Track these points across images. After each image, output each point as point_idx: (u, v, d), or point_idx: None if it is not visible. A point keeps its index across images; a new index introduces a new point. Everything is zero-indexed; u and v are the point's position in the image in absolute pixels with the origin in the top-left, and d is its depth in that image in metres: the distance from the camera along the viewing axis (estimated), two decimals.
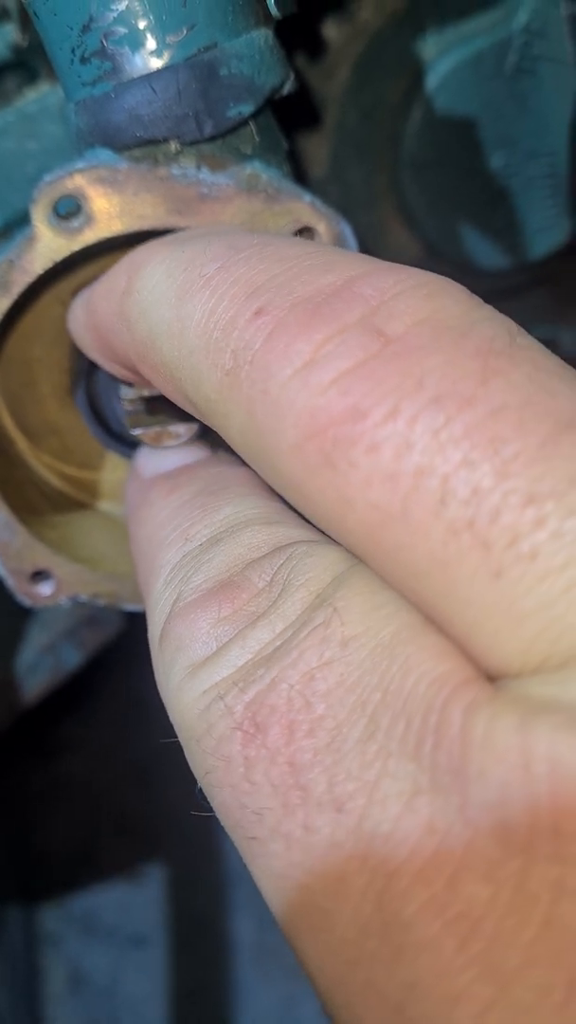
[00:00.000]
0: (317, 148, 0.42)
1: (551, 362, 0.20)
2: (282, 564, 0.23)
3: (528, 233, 0.44)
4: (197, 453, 0.33)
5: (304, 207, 0.31)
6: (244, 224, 0.31)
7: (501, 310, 0.22)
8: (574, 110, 0.42)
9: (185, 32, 0.29)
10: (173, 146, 0.30)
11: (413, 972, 0.17)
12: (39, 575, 0.35)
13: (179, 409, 0.27)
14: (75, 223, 0.31)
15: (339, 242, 0.31)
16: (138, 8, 0.28)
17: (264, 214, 0.31)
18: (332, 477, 0.20)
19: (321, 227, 0.31)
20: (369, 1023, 0.18)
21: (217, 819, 0.21)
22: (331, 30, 0.40)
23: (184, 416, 0.33)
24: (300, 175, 0.41)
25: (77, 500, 0.39)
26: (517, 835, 0.16)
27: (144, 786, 0.95)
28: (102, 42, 0.29)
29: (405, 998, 0.17)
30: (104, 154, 0.30)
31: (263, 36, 0.30)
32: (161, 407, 0.32)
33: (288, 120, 0.34)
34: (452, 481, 0.18)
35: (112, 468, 0.39)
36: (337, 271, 0.22)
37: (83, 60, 0.30)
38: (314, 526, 0.23)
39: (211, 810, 0.21)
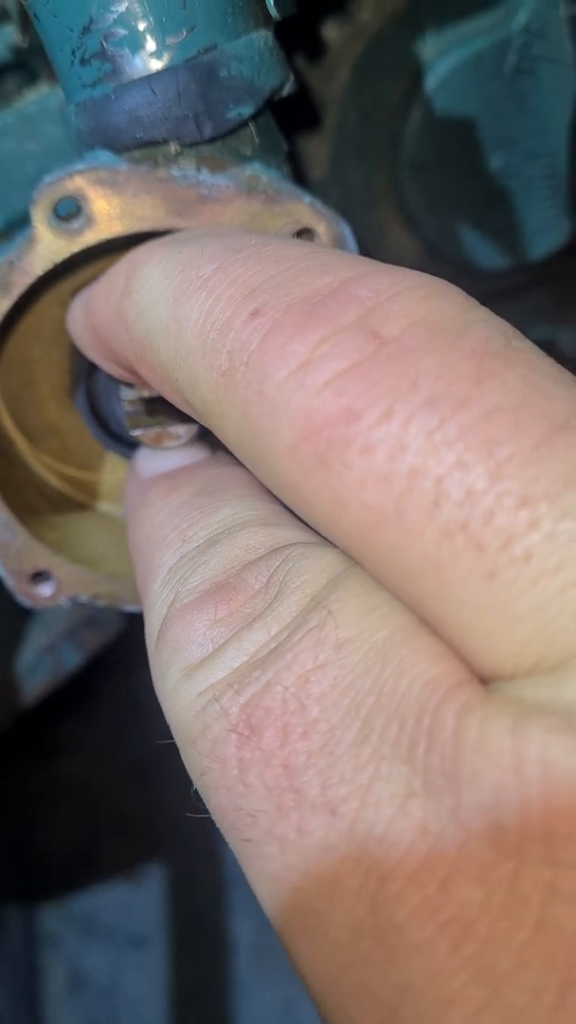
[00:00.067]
0: (317, 149, 0.42)
1: (546, 364, 0.20)
2: (278, 566, 0.23)
3: (527, 234, 0.44)
4: (196, 454, 0.33)
5: (304, 208, 0.31)
6: (244, 225, 0.31)
7: (501, 311, 0.22)
8: (573, 111, 0.42)
9: (185, 34, 0.29)
10: (173, 148, 0.30)
11: (406, 974, 0.17)
12: (39, 576, 0.35)
13: (179, 410, 0.27)
14: (75, 224, 0.31)
15: (339, 243, 0.31)
16: (138, 10, 0.29)
17: (264, 215, 0.31)
18: (326, 478, 0.20)
19: (321, 228, 0.31)
20: None
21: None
22: (331, 31, 0.40)
23: (184, 417, 0.33)
24: (300, 176, 0.41)
25: (77, 501, 0.39)
26: (510, 837, 0.16)
27: (144, 786, 0.95)
28: (102, 44, 0.29)
29: (398, 1000, 0.17)
30: (104, 155, 0.30)
31: (263, 37, 0.30)
32: (161, 408, 0.32)
33: (288, 121, 0.34)
34: (446, 482, 0.18)
35: (112, 469, 0.39)
36: (333, 272, 0.22)
37: (83, 62, 0.30)
38: (311, 528, 0.23)
39: (207, 812, 0.21)
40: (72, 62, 0.30)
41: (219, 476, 0.30)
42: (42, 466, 0.39)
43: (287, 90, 0.31)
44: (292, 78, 0.32)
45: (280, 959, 0.95)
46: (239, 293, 0.22)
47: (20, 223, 0.38)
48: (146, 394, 0.32)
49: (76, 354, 0.35)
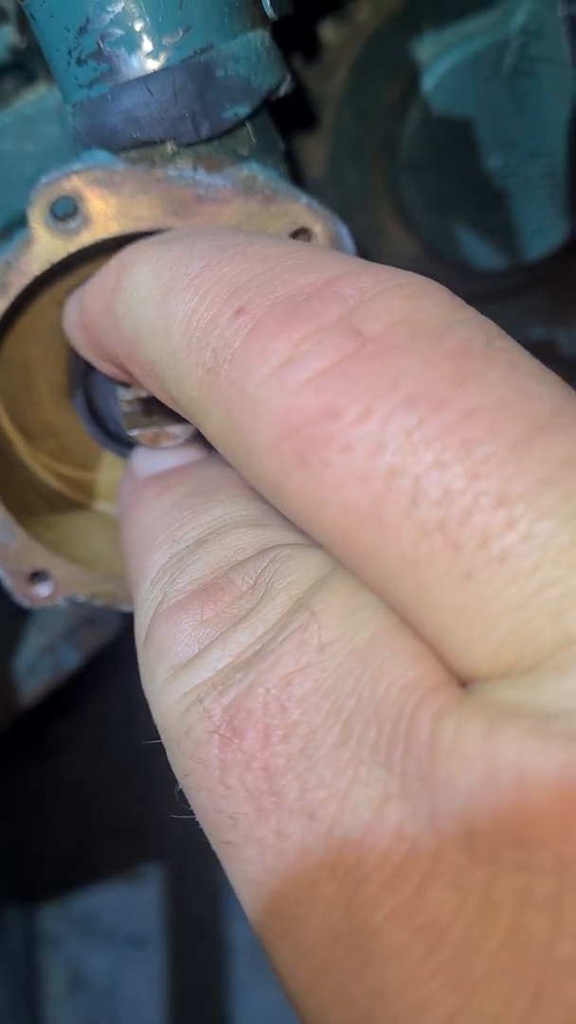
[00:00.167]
0: (314, 149, 0.42)
1: (529, 364, 0.20)
2: (265, 567, 0.23)
3: (526, 234, 0.44)
4: (192, 454, 0.33)
5: (301, 208, 0.31)
6: (241, 225, 0.31)
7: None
8: (572, 111, 0.42)
9: (181, 34, 0.29)
10: (170, 147, 0.30)
11: (381, 979, 0.17)
12: (37, 576, 0.35)
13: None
14: (72, 224, 0.31)
15: (336, 243, 0.31)
16: (134, 10, 0.29)
17: (261, 215, 0.31)
18: (306, 477, 0.20)
19: (318, 228, 0.31)
20: None
21: None
22: (328, 31, 0.40)
23: (180, 417, 0.33)
24: (297, 176, 0.41)
25: (74, 501, 0.39)
26: (484, 843, 0.16)
27: (142, 786, 0.95)
28: (98, 44, 0.29)
29: (373, 1005, 0.17)
30: (101, 156, 0.30)
31: (259, 37, 0.30)
32: (158, 408, 0.32)
33: (285, 121, 0.34)
34: (424, 482, 0.18)
35: (109, 468, 0.39)
36: (318, 271, 0.22)
37: (80, 62, 0.30)
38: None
39: (191, 812, 0.21)
40: (69, 62, 0.30)
41: (212, 476, 0.30)
42: (40, 466, 0.39)
43: (284, 90, 0.31)
44: (289, 78, 0.32)
45: None
46: (225, 291, 0.22)
47: (18, 223, 0.38)
48: (143, 394, 0.32)
49: (74, 354, 0.35)
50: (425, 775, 0.17)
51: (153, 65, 0.29)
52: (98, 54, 0.29)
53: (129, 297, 0.26)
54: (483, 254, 0.44)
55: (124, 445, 0.37)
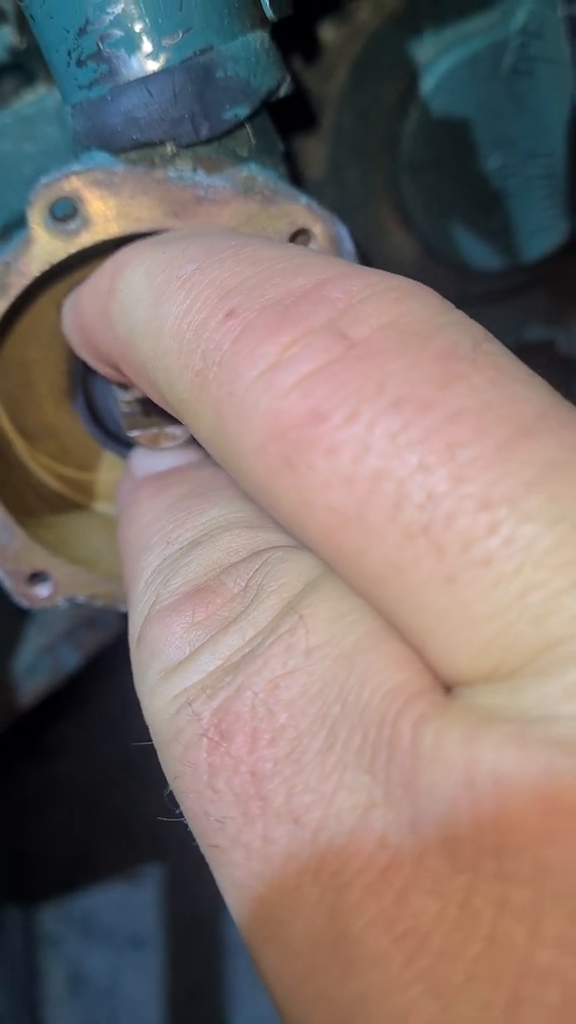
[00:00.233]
0: (314, 150, 0.42)
1: (516, 368, 0.20)
2: (257, 569, 0.23)
3: (525, 234, 0.44)
4: (191, 455, 0.33)
5: (300, 209, 0.31)
6: (241, 226, 0.31)
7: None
8: (571, 111, 0.42)
9: (181, 35, 0.29)
10: (169, 149, 0.30)
11: (362, 986, 0.17)
12: (37, 576, 0.35)
13: None
14: (71, 225, 0.31)
15: (336, 244, 0.31)
16: (134, 11, 0.29)
17: (261, 216, 0.31)
18: (293, 479, 0.20)
19: (317, 229, 0.31)
20: None
21: None
22: (328, 32, 0.40)
23: None
24: (297, 177, 0.41)
25: (74, 501, 0.39)
26: (464, 851, 0.16)
27: (141, 787, 0.95)
28: (98, 45, 0.29)
29: (355, 1012, 0.17)
30: (100, 157, 0.30)
31: (259, 38, 0.30)
32: (157, 409, 0.32)
33: (285, 122, 0.34)
34: (408, 485, 0.18)
35: (109, 469, 0.39)
36: (309, 274, 0.22)
37: (79, 63, 0.30)
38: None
39: (181, 814, 0.21)
40: (68, 63, 0.30)
41: (208, 477, 0.30)
42: (40, 467, 0.39)
43: (284, 91, 0.31)
44: (289, 79, 0.32)
45: None
46: (216, 294, 0.22)
47: (17, 224, 0.38)
48: (142, 395, 0.32)
49: (73, 355, 0.35)
50: (407, 782, 0.17)
51: (153, 66, 0.29)
52: (98, 55, 0.29)
53: (123, 299, 0.26)
54: (482, 254, 0.44)
55: (124, 445, 0.38)
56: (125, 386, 0.33)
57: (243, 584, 0.23)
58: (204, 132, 0.30)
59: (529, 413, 0.18)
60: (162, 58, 0.29)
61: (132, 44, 0.29)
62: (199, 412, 0.23)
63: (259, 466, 0.20)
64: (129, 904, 0.98)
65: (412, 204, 0.43)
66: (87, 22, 0.29)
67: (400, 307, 0.20)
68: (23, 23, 0.35)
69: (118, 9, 0.29)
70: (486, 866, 0.16)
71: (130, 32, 0.29)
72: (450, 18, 0.41)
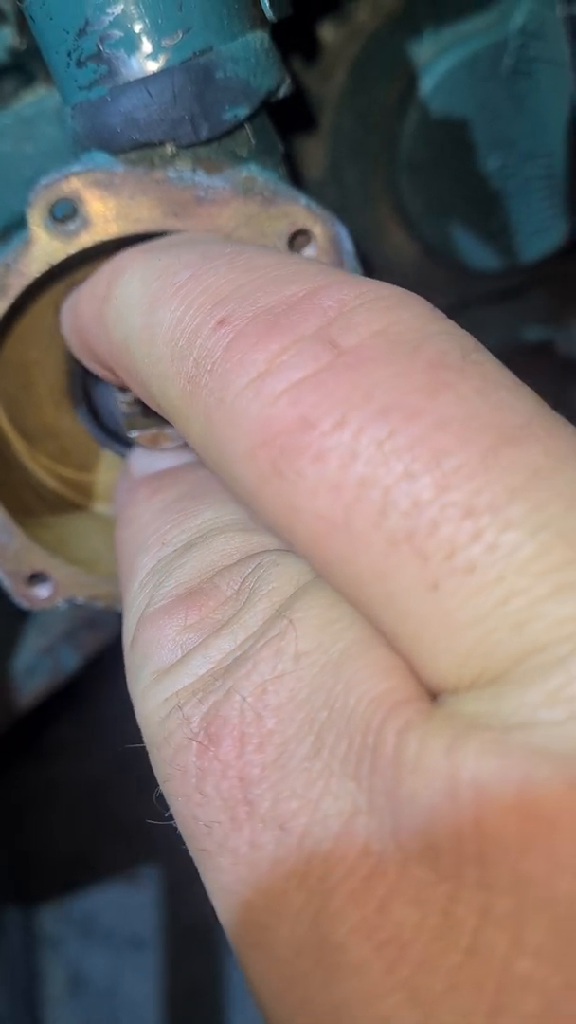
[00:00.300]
0: (314, 150, 0.42)
1: (503, 377, 0.20)
2: (250, 572, 0.23)
3: (525, 234, 0.44)
4: (190, 456, 0.33)
5: (300, 210, 0.31)
6: (240, 227, 0.31)
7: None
8: (571, 111, 0.42)
9: (180, 36, 0.29)
10: (169, 149, 0.30)
11: (344, 994, 0.17)
12: (36, 577, 0.35)
13: None
14: (71, 226, 0.31)
15: (335, 244, 0.31)
16: (134, 12, 0.29)
17: (260, 217, 0.31)
18: (281, 486, 0.20)
19: (317, 229, 0.31)
20: None
21: None
22: (327, 32, 0.40)
23: None
24: (296, 177, 0.41)
25: (74, 502, 0.39)
26: (446, 860, 0.16)
27: (140, 788, 0.95)
28: (98, 46, 0.29)
29: (337, 1018, 0.17)
30: (100, 157, 0.30)
31: (259, 39, 0.30)
32: None
33: (284, 122, 0.34)
34: (393, 492, 0.18)
35: (108, 469, 0.39)
36: (301, 282, 0.22)
37: (79, 64, 0.30)
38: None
39: (169, 817, 0.22)
40: (68, 64, 0.30)
41: (205, 478, 0.30)
42: (39, 467, 0.39)
43: (283, 91, 0.31)
44: (288, 79, 0.32)
45: None
46: (209, 301, 0.23)
47: (17, 225, 0.38)
48: None
49: (73, 355, 0.35)
50: (390, 790, 0.17)
51: (152, 67, 0.29)
52: (97, 56, 0.29)
53: (119, 304, 0.27)
54: (482, 255, 0.44)
55: (124, 445, 0.38)
56: (124, 387, 0.33)
57: (236, 587, 0.23)
58: (204, 133, 0.30)
59: (514, 421, 0.18)
60: (162, 59, 0.29)
61: (132, 45, 0.29)
62: (191, 418, 0.23)
63: (248, 472, 0.21)
64: (129, 905, 0.98)
65: (411, 204, 0.43)
66: (87, 23, 0.29)
67: (390, 316, 0.21)
68: (23, 24, 0.35)
69: (118, 10, 0.29)
70: (468, 875, 0.16)
71: (130, 33, 0.29)
72: (449, 18, 0.41)
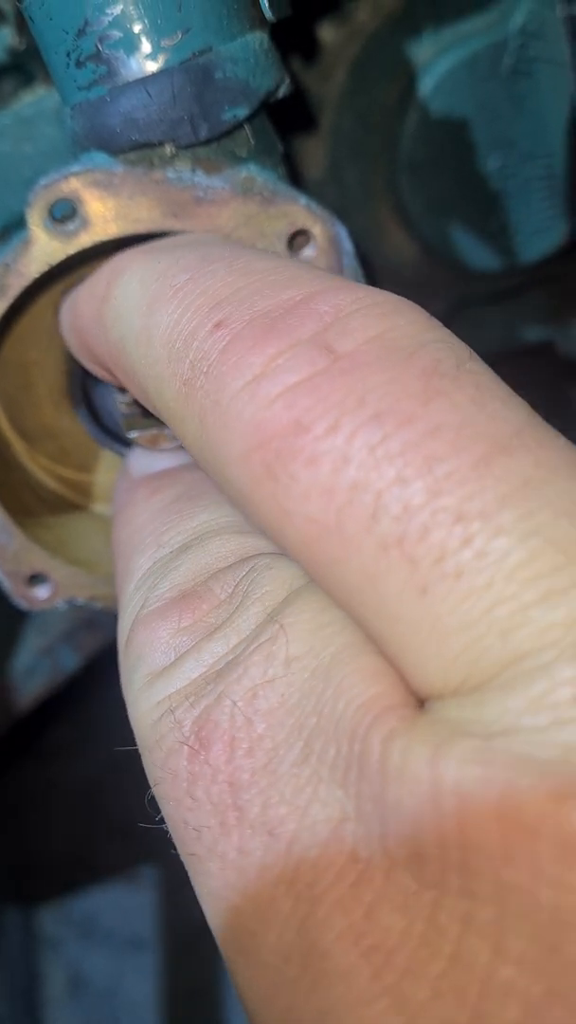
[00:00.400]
0: (314, 150, 0.42)
1: (496, 387, 0.20)
2: (244, 576, 0.23)
3: (525, 235, 0.44)
4: (189, 456, 0.33)
5: (300, 210, 0.31)
6: (240, 227, 0.31)
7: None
8: (570, 111, 0.42)
9: (180, 36, 0.29)
10: (168, 149, 0.30)
11: (329, 1000, 0.17)
12: (36, 578, 0.35)
13: None
14: (71, 226, 0.31)
15: (335, 244, 0.31)
16: (133, 12, 0.28)
17: (260, 217, 0.31)
18: (274, 489, 0.20)
19: (317, 229, 0.31)
20: None
21: None
22: (327, 32, 0.40)
23: None
24: (296, 178, 0.41)
25: (73, 503, 0.39)
26: (430, 868, 0.16)
27: (141, 789, 0.95)
28: (97, 46, 0.29)
29: None
30: (100, 158, 0.30)
31: (258, 39, 0.30)
32: None
33: (284, 123, 0.34)
34: (385, 497, 0.18)
35: (107, 470, 0.39)
36: (298, 287, 0.22)
37: (78, 64, 0.30)
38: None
39: (159, 820, 0.21)
40: (67, 64, 0.30)
41: (202, 479, 0.30)
42: (39, 468, 0.39)
43: (283, 91, 0.31)
44: (288, 79, 0.32)
45: None
46: (207, 304, 0.23)
47: (16, 225, 0.38)
48: None
49: (72, 356, 0.35)
50: (376, 797, 0.17)
51: (152, 67, 0.29)
52: (97, 56, 0.29)
53: (117, 306, 0.27)
54: (482, 255, 0.44)
55: (123, 445, 0.37)
56: (123, 388, 0.33)
57: (230, 590, 0.23)
58: (203, 133, 0.30)
59: (507, 431, 0.18)
60: (161, 59, 0.29)
61: (131, 45, 0.29)
62: (186, 420, 0.23)
63: (242, 475, 0.21)
64: (129, 906, 0.98)
65: (411, 204, 0.43)
66: (86, 23, 0.29)
67: (386, 322, 0.21)
68: (22, 24, 0.35)
69: (117, 10, 0.29)
70: (451, 883, 0.16)
71: (129, 33, 0.29)
72: (449, 18, 0.41)
